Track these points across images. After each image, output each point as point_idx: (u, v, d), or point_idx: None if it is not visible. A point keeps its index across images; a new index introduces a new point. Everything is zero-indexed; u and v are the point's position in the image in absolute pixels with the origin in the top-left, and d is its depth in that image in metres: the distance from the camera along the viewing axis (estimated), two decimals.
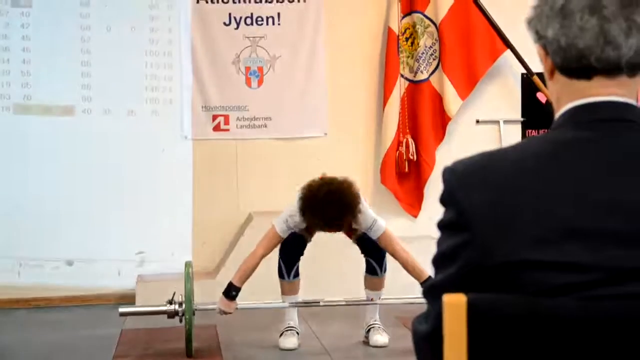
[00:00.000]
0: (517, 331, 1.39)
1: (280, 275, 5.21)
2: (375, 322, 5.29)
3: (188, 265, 5.16)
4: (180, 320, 5.03)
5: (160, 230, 6.77)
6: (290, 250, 5.16)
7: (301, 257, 5.21)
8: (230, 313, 5.16)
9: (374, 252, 5.15)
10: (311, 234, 5.15)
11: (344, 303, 5.35)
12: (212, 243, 6.81)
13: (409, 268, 5.01)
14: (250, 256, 5.11)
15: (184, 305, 5.00)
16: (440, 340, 1.42)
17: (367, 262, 5.21)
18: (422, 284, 4.92)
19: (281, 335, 5.25)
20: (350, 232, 5.14)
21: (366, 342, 5.29)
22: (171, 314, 5.04)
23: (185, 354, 5.16)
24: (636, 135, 1.46)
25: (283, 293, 5.28)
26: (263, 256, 5.06)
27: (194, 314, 5.05)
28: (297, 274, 5.21)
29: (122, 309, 5.22)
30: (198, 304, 5.18)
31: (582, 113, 1.48)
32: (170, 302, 5.07)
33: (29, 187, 6.69)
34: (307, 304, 5.35)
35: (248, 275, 5.10)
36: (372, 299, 5.29)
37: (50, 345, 5.49)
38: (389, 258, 5.15)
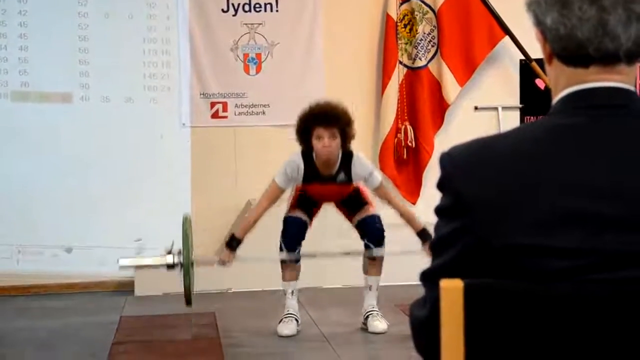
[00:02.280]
0: (514, 316, 1.39)
1: (282, 260, 5.22)
2: (374, 309, 5.30)
3: (186, 218, 5.13)
4: (180, 272, 5.03)
5: (159, 217, 6.77)
6: (292, 231, 5.19)
7: (302, 242, 5.22)
8: (229, 264, 5.19)
9: (374, 232, 5.19)
10: (310, 178, 5.12)
11: (341, 253, 5.41)
12: (210, 231, 6.81)
13: (406, 218, 5.19)
14: (254, 208, 5.25)
15: (182, 257, 5.00)
16: (437, 325, 1.42)
17: (367, 247, 5.22)
18: (418, 234, 5.10)
19: (280, 321, 5.26)
20: (348, 187, 5.14)
21: (365, 329, 5.30)
22: (170, 266, 5.05)
23: (184, 341, 5.17)
24: (634, 120, 1.46)
25: (284, 279, 5.28)
26: (266, 208, 5.15)
27: (192, 266, 5.05)
28: (297, 260, 5.22)
29: (121, 263, 5.23)
30: (197, 256, 5.19)
31: (579, 98, 1.48)
32: (169, 253, 5.06)
33: (27, 174, 6.69)
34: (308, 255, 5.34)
35: (250, 227, 5.19)
36: (370, 286, 5.30)
37: (49, 332, 5.50)
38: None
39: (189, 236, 5.06)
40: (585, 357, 1.38)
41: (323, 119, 5.03)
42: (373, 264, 5.26)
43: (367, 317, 5.29)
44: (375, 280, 5.29)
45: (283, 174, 5.14)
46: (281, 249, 5.23)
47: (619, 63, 1.47)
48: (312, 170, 5.12)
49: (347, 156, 5.13)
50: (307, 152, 5.12)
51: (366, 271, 5.31)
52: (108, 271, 6.75)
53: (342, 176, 5.14)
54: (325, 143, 5.00)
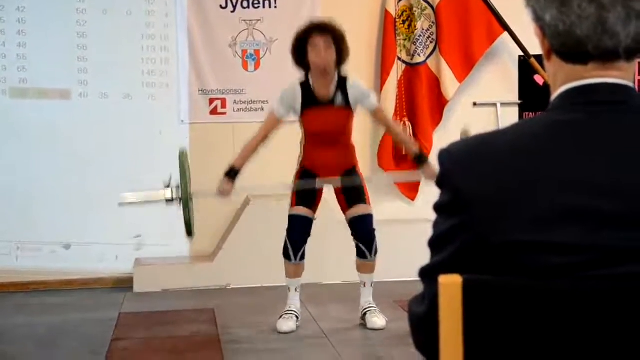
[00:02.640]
0: (513, 312, 1.39)
1: (287, 257, 5.22)
2: (371, 305, 5.30)
3: (183, 152, 5.16)
4: (179, 207, 5.04)
5: (158, 214, 6.76)
6: (297, 231, 5.19)
7: (308, 240, 5.22)
8: (228, 195, 5.19)
9: (365, 236, 5.21)
10: (307, 103, 5.13)
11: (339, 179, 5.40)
12: (209, 227, 6.81)
13: (403, 141, 5.53)
14: (252, 139, 5.23)
15: (181, 191, 5.00)
16: (436, 322, 1.42)
17: (357, 247, 5.27)
18: (415, 158, 5.33)
19: (280, 318, 5.26)
20: (347, 114, 5.15)
21: (363, 325, 5.31)
22: (169, 200, 5.04)
23: (183, 337, 5.18)
24: (633, 116, 1.46)
25: (287, 275, 5.28)
26: (264, 137, 5.19)
27: (191, 200, 5.03)
28: (303, 257, 5.22)
29: (122, 199, 5.23)
30: (196, 191, 5.20)
31: (578, 95, 1.48)
32: (168, 186, 5.06)
33: (25, 171, 6.68)
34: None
35: (248, 157, 5.22)
36: (364, 283, 5.30)
37: (48, 329, 5.50)
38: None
39: (187, 170, 5.05)
40: (584, 353, 1.38)
41: (317, 27, 5.11)
42: (365, 264, 5.27)
43: (365, 313, 5.30)
44: (369, 277, 5.30)
45: (279, 100, 5.17)
46: (286, 249, 5.20)
47: (618, 60, 1.47)
48: (309, 94, 5.13)
49: (343, 79, 5.17)
50: (305, 80, 5.17)
51: (359, 269, 5.32)
52: (107, 268, 6.76)
53: (339, 98, 5.15)
54: (322, 51, 5.05)
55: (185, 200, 4.99)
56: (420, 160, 5.22)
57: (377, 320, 5.23)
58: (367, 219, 5.22)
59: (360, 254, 5.25)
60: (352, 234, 5.25)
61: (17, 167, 6.68)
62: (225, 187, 5.14)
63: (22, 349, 5.07)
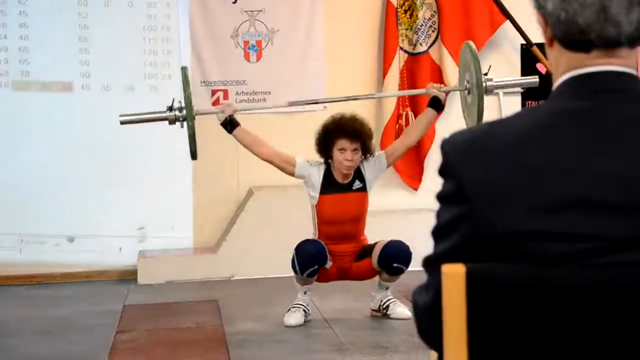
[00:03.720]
0: (517, 301, 1.39)
1: (294, 271, 5.16)
2: (392, 297, 5.29)
3: (184, 70, 5.12)
4: (182, 126, 5.01)
5: (161, 206, 6.78)
6: (307, 250, 5.08)
7: (318, 268, 5.14)
8: (231, 110, 5.19)
9: (403, 256, 5.07)
10: (327, 185, 5.13)
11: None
12: (212, 218, 6.82)
13: (419, 123, 5.36)
14: (266, 143, 5.25)
15: (184, 111, 4.96)
16: (440, 311, 1.43)
17: (395, 268, 5.12)
18: (429, 107, 5.21)
19: (288, 311, 5.25)
20: (363, 198, 5.15)
21: (378, 316, 5.28)
22: (172, 120, 5.02)
23: (187, 328, 5.18)
24: (635, 104, 1.46)
25: (297, 282, 5.26)
26: (269, 150, 5.19)
27: (194, 119, 5.01)
28: (311, 275, 5.14)
29: (122, 119, 5.19)
30: (200, 110, 5.19)
31: (580, 83, 1.47)
32: (170, 109, 5.02)
33: (29, 163, 6.69)
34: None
35: (251, 138, 5.24)
36: (387, 287, 5.28)
37: (52, 321, 5.51)
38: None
39: (190, 88, 5.02)
40: (589, 341, 1.38)
41: (349, 133, 5.07)
42: (396, 277, 5.22)
43: (388, 305, 5.26)
44: (393, 284, 5.28)
45: (305, 159, 5.19)
46: (293, 268, 5.14)
47: (620, 47, 1.46)
48: (330, 179, 5.15)
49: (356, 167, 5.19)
50: (327, 165, 5.17)
51: (383, 279, 5.24)
52: (111, 260, 6.77)
53: (357, 184, 5.18)
54: (348, 156, 5.07)
55: (190, 120, 4.94)
56: (435, 105, 5.20)
57: (403, 310, 5.22)
58: (397, 241, 5.12)
59: (396, 272, 5.14)
60: (390, 262, 5.10)
61: (20, 160, 6.69)
62: (228, 103, 5.13)
63: (26, 342, 5.08)
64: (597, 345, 1.38)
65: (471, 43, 5.05)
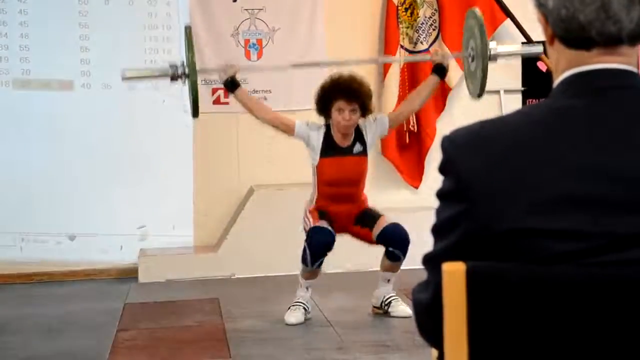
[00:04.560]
0: (517, 298, 1.39)
1: (304, 262, 5.16)
2: (394, 295, 5.29)
3: (187, 27, 5.11)
4: (183, 83, 5.00)
5: (162, 204, 6.78)
6: (319, 240, 5.08)
7: (328, 254, 5.14)
8: (234, 71, 5.17)
9: (401, 241, 5.11)
10: (327, 149, 5.15)
11: None
12: (213, 217, 6.82)
13: (422, 90, 5.38)
14: (266, 107, 5.41)
15: (186, 68, 4.96)
16: (440, 308, 1.43)
17: (391, 253, 5.15)
18: (433, 73, 5.26)
19: (288, 309, 5.25)
20: (363, 161, 5.18)
21: (379, 314, 5.28)
22: (174, 77, 5.01)
23: (187, 327, 5.19)
24: (636, 101, 1.46)
25: (302, 276, 5.26)
26: (269, 114, 5.25)
27: (196, 76, 4.99)
28: (320, 264, 5.16)
29: (124, 74, 5.16)
30: (202, 67, 5.19)
31: (581, 80, 1.47)
32: (173, 66, 4.98)
33: (29, 162, 6.69)
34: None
35: (252, 101, 5.29)
36: (389, 280, 5.28)
37: (53, 319, 5.51)
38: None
39: (193, 46, 4.99)
40: (591, 339, 1.38)
41: (346, 93, 5.08)
42: (395, 264, 5.22)
43: (390, 302, 5.26)
44: (394, 275, 5.27)
45: (304, 121, 5.23)
46: (304, 255, 5.13)
47: (621, 45, 1.46)
48: (330, 141, 5.17)
49: (357, 127, 5.20)
50: (327, 126, 5.19)
51: (387, 269, 5.25)
52: (111, 258, 6.77)
53: (358, 147, 5.19)
54: (346, 116, 5.08)
55: (192, 77, 4.93)
56: (439, 71, 5.22)
57: (404, 308, 5.22)
58: (397, 227, 5.14)
59: (393, 258, 5.16)
60: (386, 245, 5.14)
61: (21, 159, 6.69)
62: (230, 67, 5.15)
63: (27, 340, 5.08)
64: (598, 343, 1.38)
65: (476, 9, 5.03)
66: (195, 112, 5.09)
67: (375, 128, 5.24)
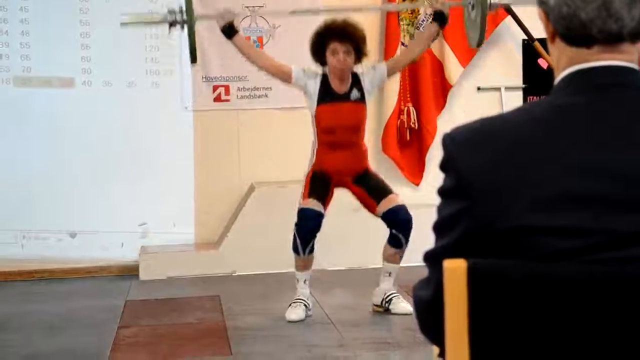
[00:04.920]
0: (519, 296, 1.39)
1: (295, 251, 5.18)
2: (394, 292, 5.29)
3: None
4: (182, 29, 5.01)
5: (163, 202, 6.78)
6: (308, 226, 5.13)
7: (317, 234, 5.17)
8: (232, 16, 5.17)
9: (404, 225, 5.13)
10: (324, 95, 5.16)
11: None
12: (214, 214, 6.82)
13: (420, 39, 5.49)
14: (263, 53, 5.53)
15: (184, 15, 4.95)
16: (441, 306, 1.43)
17: (395, 236, 5.17)
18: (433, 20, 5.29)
19: (289, 306, 5.25)
20: (361, 109, 5.20)
21: (380, 311, 5.29)
22: (173, 23, 4.99)
23: (188, 324, 5.19)
24: (636, 99, 1.46)
25: (297, 269, 5.27)
26: (265, 59, 5.31)
27: (195, 23, 5.00)
28: (311, 250, 5.19)
29: (123, 20, 5.12)
30: (200, 14, 5.17)
31: (581, 78, 1.47)
32: (171, 12, 5.01)
33: (30, 159, 6.69)
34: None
35: (249, 48, 5.35)
36: (390, 273, 5.27)
37: (54, 317, 5.51)
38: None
39: None
40: (590, 336, 1.38)
41: (339, 34, 5.09)
42: (396, 253, 5.22)
43: (390, 299, 5.26)
44: (395, 268, 5.26)
45: (301, 68, 5.25)
46: (295, 243, 5.17)
47: (621, 42, 1.46)
48: (327, 87, 5.18)
49: (355, 75, 5.21)
50: (323, 74, 5.21)
51: (388, 259, 5.26)
52: (112, 255, 6.77)
53: (355, 93, 5.19)
54: (341, 58, 5.08)
55: (190, 22, 4.92)
56: (439, 19, 5.23)
57: (405, 305, 5.22)
58: (404, 209, 5.15)
59: (395, 243, 5.17)
60: (390, 226, 5.16)
61: (21, 156, 6.69)
62: (228, 13, 5.15)
63: (28, 337, 5.08)
64: (599, 340, 1.38)
65: None
66: (193, 58, 5.09)
67: (373, 75, 5.24)
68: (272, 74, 5.29)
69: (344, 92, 5.17)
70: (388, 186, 5.25)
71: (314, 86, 5.18)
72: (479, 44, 5.05)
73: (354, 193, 5.27)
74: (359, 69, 5.22)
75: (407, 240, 5.15)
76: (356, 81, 5.20)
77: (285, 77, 5.23)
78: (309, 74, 5.21)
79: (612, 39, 1.45)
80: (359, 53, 5.14)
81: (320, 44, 5.15)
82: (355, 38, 5.10)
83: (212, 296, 5.88)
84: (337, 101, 5.16)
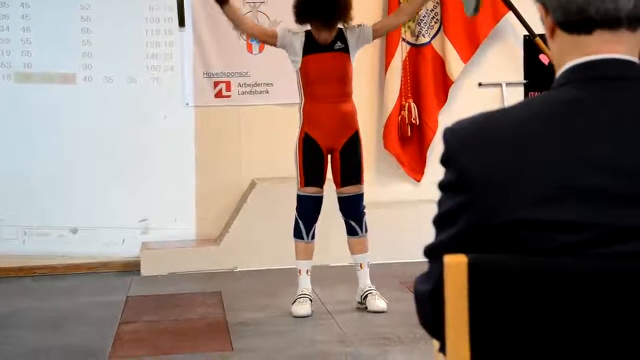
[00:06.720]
0: (519, 290, 1.39)
1: (298, 236, 5.21)
2: (371, 288, 5.30)
3: None
4: None
5: (164, 197, 6.78)
6: (309, 210, 5.20)
7: (318, 218, 5.23)
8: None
9: (354, 214, 5.20)
10: (309, 47, 5.21)
11: None
12: (215, 210, 6.82)
13: (408, 9, 5.47)
14: (250, 21, 5.61)
15: None
16: (441, 300, 1.43)
17: (347, 224, 5.27)
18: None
19: (294, 302, 5.25)
20: (346, 60, 5.21)
21: (361, 308, 5.29)
22: None
23: (190, 320, 5.20)
24: (637, 93, 1.45)
25: (298, 257, 5.27)
26: (252, 26, 5.44)
27: None
28: (313, 236, 5.23)
29: None
30: None
31: (582, 71, 1.47)
32: None
33: (32, 155, 6.69)
34: None
35: (238, 17, 5.35)
36: (360, 265, 5.29)
37: (56, 313, 5.52)
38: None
39: None
40: (591, 331, 1.38)
41: (323, 19, 5.14)
42: (357, 242, 5.25)
43: (366, 296, 5.28)
44: (364, 257, 5.28)
45: (285, 28, 5.34)
46: (298, 228, 5.21)
47: (621, 28, 1.46)
48: (311, 41, 5.23)
49: (340, 29, 5.25)
50: (308, 31, 5.26)
51: (353, 250, 5.31)
52: (114, 251, 6.78)
53: (339, 44, 5.24)
54: (324, 35, 5.16)
55: None
56: None
57: (380, 302, 5.22)
58: (358, 199, 5.24)
59: (351, 232, 5.26)
60: (341, 210, 5.26)
61: (23, 152, 6.69)
62: None
63: (29, 333, 5.09)
64: (600, 335, 1.38)
65: None
66: (181, 21, 5.10)
67: (358, 34, 5.26)
68: (262, 40, 5.44)
69: (327, 44, 5.23)
70: (360, 172, 5.28)
71: (300, 43, 5.24)
72: (476, 12, 5.04)
73: (332, 160, 5.31)
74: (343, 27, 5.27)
75: (360, 227, 5.22)
76: (341, 35, 5.25)
77: (271, 39, 5.30)
78: (294, 33, 5.28)
79: (611, 22, 1.45)
80: (344, 20, 5.19)
81: (303, 18, 5.21)
82: (339, 17, 5.15)
83: (214, 292, 5.89)
84: (322, 51, 5.22)
